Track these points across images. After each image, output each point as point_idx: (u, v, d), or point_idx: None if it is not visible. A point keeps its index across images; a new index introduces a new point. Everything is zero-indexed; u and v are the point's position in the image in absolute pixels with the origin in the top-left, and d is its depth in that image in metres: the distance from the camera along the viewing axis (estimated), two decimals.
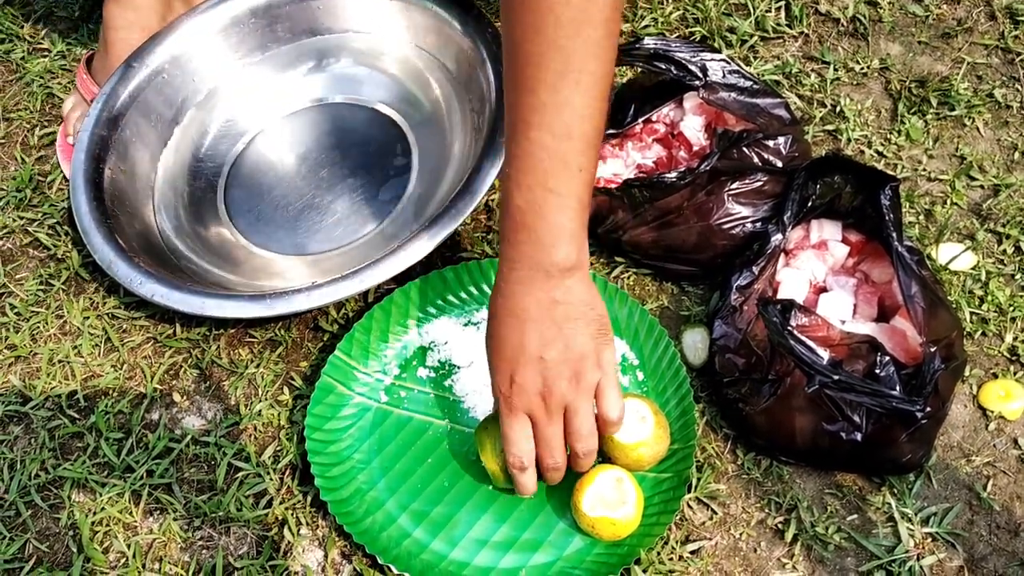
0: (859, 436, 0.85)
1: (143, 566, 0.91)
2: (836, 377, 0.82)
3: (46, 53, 1.33)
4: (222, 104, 1.19)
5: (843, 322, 0.93)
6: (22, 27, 1.35)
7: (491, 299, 0.81)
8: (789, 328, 0.84)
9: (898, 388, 0.82)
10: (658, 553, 0.88)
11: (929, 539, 0.89)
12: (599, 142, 0.76)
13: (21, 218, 1.16)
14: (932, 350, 0.84)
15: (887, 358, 0.83)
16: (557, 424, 0.79)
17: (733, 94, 1.01)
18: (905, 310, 0.88)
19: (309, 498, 0.94)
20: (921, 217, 1.08)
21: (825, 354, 0.84)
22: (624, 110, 1.08)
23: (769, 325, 0.86)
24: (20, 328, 1.07)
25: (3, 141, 1.24)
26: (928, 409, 0.83)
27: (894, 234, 0.90)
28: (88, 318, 1.07)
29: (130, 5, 1.16)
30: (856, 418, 0.85)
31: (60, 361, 1.04)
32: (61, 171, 1.19)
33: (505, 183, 0.77)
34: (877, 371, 0.83)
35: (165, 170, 1.14)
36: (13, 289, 1.10)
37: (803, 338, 0.83)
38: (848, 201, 0.97)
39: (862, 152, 1.14)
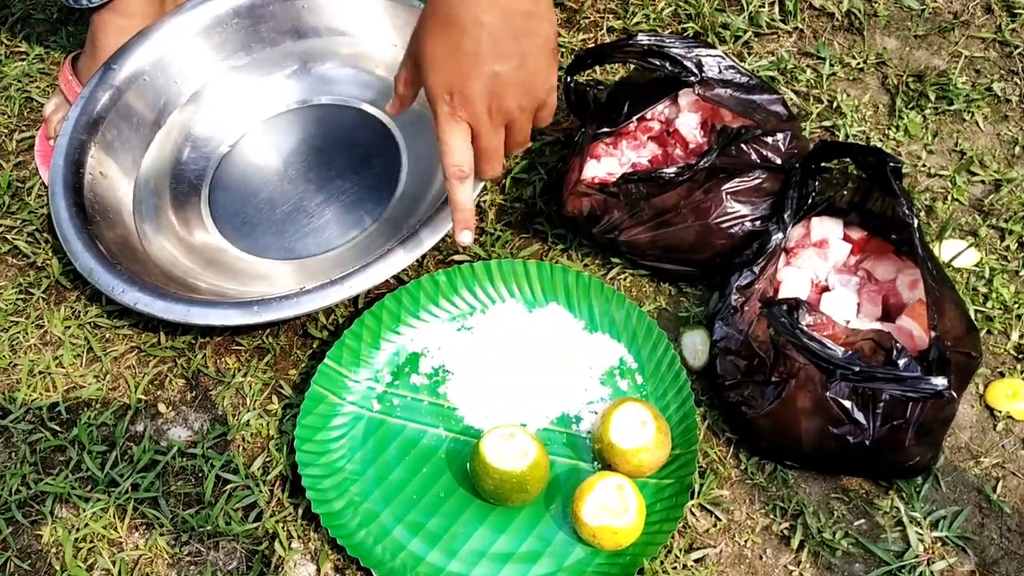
0: (867, 439, 0.83)
1: None
2: (857, 368, 0.79)
3: (24, 56, 1.29)
4: (205, 106, 1.16)
5: (847, 322, 0.91)
6: None
7: (435, 2, 0.76)
8: (799, 327, 0.81)
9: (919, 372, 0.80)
10: (661, 562, 0.86)
11: (939, 543, 0.86)
12: None
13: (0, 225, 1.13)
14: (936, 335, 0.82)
15: (900, 345, 0.80)
16: (500, 136, 0.80)
17: (729, 90, 0.99)
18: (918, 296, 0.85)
19: (300, 510, 0.91)
20: (922, 213, 1.06)
21: (838, 349, 0.81)
22: (618, 108, 1.06)
23: (777, 326, 0.83)
24: None
25: None
26: (952, 391, 0.80)
27: (904, 203, 0.87)
28: (70, 327, 1.04)
29: (124, 12, 1.14)
30: (863, 421, 0.83)
31: (41, 372, 1.01)
32: (40, 177, 1.16)
33: None
34: (895, 358, 0.80)
35: (147, 174, 1.11)
36: None
37: (814, 334, 0.81)
38: (849, 197, 0.95)
39: None
